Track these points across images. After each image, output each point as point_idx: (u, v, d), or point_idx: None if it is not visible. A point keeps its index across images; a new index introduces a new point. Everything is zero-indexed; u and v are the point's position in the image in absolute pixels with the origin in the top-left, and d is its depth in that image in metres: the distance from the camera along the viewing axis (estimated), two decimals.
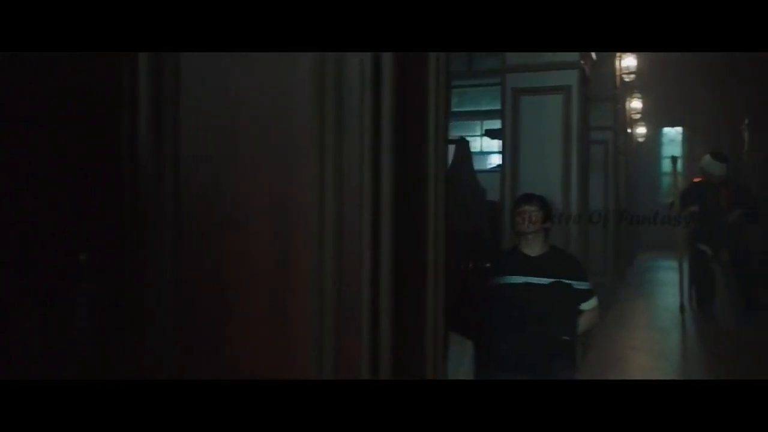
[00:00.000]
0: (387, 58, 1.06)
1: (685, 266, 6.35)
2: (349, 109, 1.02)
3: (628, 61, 6.88)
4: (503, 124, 4.12)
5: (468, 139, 7.19)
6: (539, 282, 3.37)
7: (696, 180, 6.76)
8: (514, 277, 3.44)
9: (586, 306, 3.52)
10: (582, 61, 4.00)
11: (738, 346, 5.07)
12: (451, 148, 4.40)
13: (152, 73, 1.08)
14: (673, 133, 16.13)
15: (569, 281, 3.41)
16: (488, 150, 10.01)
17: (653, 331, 5.63)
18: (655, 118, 13.92)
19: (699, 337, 5.54)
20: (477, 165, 6.21)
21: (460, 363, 1.42)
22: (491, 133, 7.60)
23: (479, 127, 9.69)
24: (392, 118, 1.06)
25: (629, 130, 9.93)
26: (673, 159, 6.95)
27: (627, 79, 7.09)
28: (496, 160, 8.35)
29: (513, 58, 4.01)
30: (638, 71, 7.37)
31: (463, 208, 3.95)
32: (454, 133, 9.04)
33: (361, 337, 1.02)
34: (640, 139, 12.91)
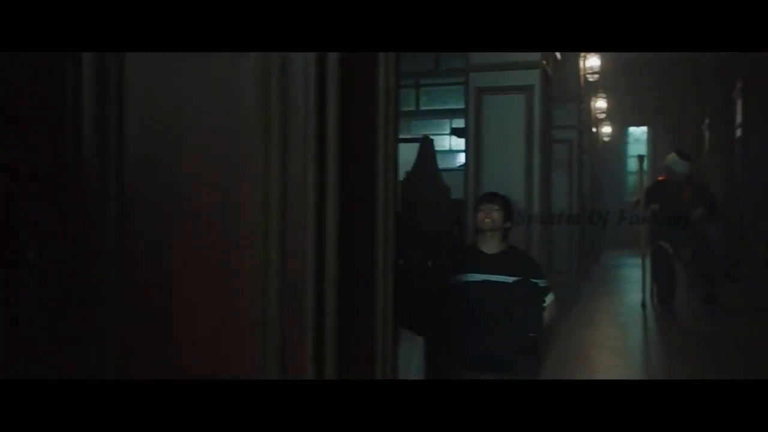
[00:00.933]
0: (332, 58, 1.07)
1: (648, 263, 6.46)
2: (294, 109, 1.03)
3: (592, 62, 6.96)
4: (467, 123, 4.15)
5: (436, 137, 7.24)
6: (497, 280, 3.40)
7: (660, 179, 6.88)
8: (471, 275, 3.47)
9: (543, 303, 3.57)
10: (544, 61, 4.04)
11: (696, 342, 5.17)
12: (416, 146, 4.43)
13: (96, 73, 1.08)
14: (638, 132, 16.37)
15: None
16: (456, 148, 10.07)
17: (615, 327, 5.71)
18: (621, 118, 14.11)
19: (659, 333, 5.64)
20: (445, 163, 6.25)
21: (411, 360, 1.44)
22: (457, 132, 7.64)
23: (447, 125, 9.73)
24: (337, 118, 1.07)
25: (594, 130, 10.05)
26: (640, 158, 7.06)
27: (591, 79, 7.18)
28: (463, 158, 8.41)
29: (476, 57, 4.04)
30: (602, 71, 7.47)
31: (427, 206, 3.98)
32: (423, 132, 9.08)
33: (305, 336, 1.03)
34: (606, 139, 13.07)
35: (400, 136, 4.39)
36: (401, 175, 3.65)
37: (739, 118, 6.90)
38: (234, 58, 1.04)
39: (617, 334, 5.45)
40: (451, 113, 9.44)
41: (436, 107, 9.88)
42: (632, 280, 7.50)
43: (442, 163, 4.91)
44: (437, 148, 5.90)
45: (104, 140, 1.07)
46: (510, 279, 3.40)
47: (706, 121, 8.50)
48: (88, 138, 1.08)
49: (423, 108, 10.11)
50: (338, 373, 1.08)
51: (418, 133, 8.63)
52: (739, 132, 6.95)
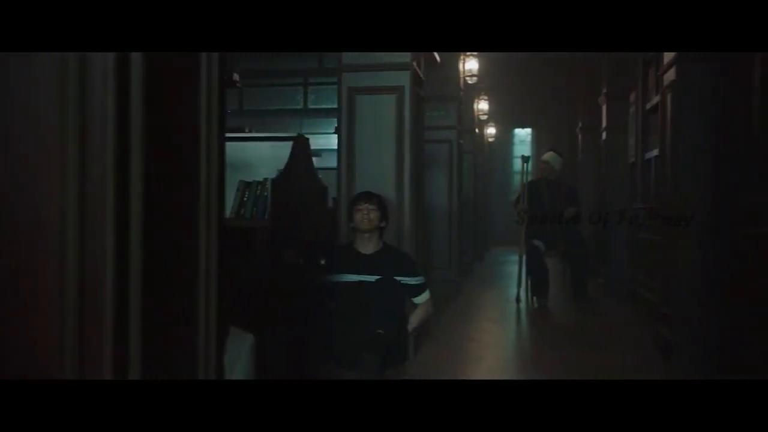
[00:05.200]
0: (136, 57, 1.07)
1: (524, 260, 6.76)
2: (93, 109, 1.02)
3: (471, 64, 7.18)
4: (339, 122, 4.20)
5: (324, 136, 7.24)
6: (370, 280, 3.47)
7: (532, 179, 7.21)
8: (347, 275, 3.52)
9: (418, 300, 3.66)
10: (414, 63, 4.14)
11: (565, 332, 5.45)
12: (290, 144, 4.41)
13: None
14: (523, 134, 17.02)
15: (401, 277, 3.53)
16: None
17: (489, 322, 5.92)
18: (507, 119, 14.63)
19: (530, 326, 5.90)
20: (331, 162, 6.26)
21: (238, 358, 1.45)
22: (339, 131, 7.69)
23: (334, 124, 9.76)
24: (142, 117, 1.07)
25: (477, 131, 10.37)
26: (524, 158, 7.37)
27: (470, 82, 7.39)
28: None
29: (348, 57, 4.09)
30: (482, 74, 7.71)
31: (300, 205, 3.98)
32: (312, 130, 9.05)
33: (104, 337, 1.02)
34: (491, 139, 13.51)
35: (283, 135, 4.34)
36: (273, 174, 3.64)
37: (604, 122, 7.32)
38: (31, 59, 1.03)
39: (490, 328, 5.66)
40: (337, 112, 9.46)
41: (323, 106, 9.89)
42: (512, 276, 7.78)
43: (328, 162, 4.93)
44: (324, 146, 5.91)
45: None
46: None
47: (579, 123, 8.96)
48: None
49: (311, 107, 10.10)
50: (144, 373, 1.08)
51: (308, 131, 8.62)
52: (603, 135, 7.37)
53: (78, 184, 1.02)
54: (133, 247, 1.06)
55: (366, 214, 3.56)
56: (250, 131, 4.67)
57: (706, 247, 3.83)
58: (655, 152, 5.20)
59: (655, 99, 4.94)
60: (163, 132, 1.16)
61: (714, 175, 3.82)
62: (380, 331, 3.22)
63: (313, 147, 5.22)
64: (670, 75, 4.07)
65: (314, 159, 5.27)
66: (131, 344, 1.06)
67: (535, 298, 6.56)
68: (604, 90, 7.25)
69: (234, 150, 4.02)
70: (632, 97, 6.56)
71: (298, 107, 10.00)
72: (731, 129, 3.72)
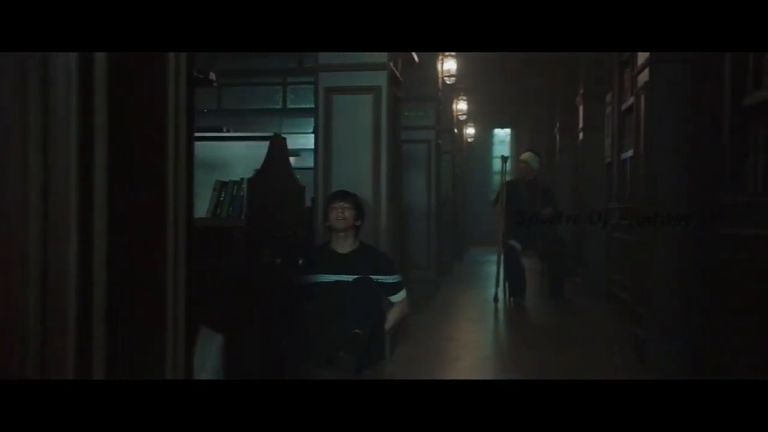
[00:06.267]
0: (100, 58, 1.06)
1: (502, 260, 6.79)
2: (55, 110, 1.02)
3: (450, 64, 7.20)
4: (316, 122, 4.20)
5: (303, 135, 7.22)
6: (347, 279, 3.47)
7: (511, 179, 7.26)
8: (324, 275, 3.52)
9: (395, 299, 3.67)
10: (391, 63, 4.15)
11: (542, 331, 5.48)
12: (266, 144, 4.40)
13: None
14: (503, 134, 17.11)
15: (377, 276, 3.54)
16: None
17: (466, 321, 5.95)
18: (486, 120, 14.69)
19: (507, 325, 5.94)
20: (309, 162, 6.24)
21: (207, 358, 1.45)
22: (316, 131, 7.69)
23: (312, 123, 9.75)
24: (105, 117, 1.07)
25: (456, 131, 10.40)
26: (503, 158, 7.43)
27: (449, 82, 7.42)
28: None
29: (325, 57, 4.09)
30: (460, 74, 7.74)
31: (276, 205, 3.98)
32: (292, 130, 9.03)
33: (68, 335, 1.02)
34: (470, 140, 13.56)
35: (260, 134, 4.31)
36: (250, 173, 3.63)
37: (581, 123, 7.39)
38: None
39: (468, 327, 5.69)
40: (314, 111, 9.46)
41: (302, 105, 9.88)
42: (491, 276, 7.82)
43: (308, 162, 4.92)
44: (304, 146, 5.90)
45: None
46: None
47: (557, 124, 9.03)
48: None
49: (290, 106, 10.08)
50: (108, 373, 1.08)
51: (287, 131, 8.60)
52: (581, 135, 7.44)
53: (41, 184, 1.02)
54: (97, 247, 1.06)
55: (341, 213, 3.56)
56: (228, 131, 4.66)
57: (679, 247, 3.88)
58: (630, 152, 5.26)
59: (631, 100, 4.99)
60: (130, 132, 1.16)
61: (686, 175, 3.88)
62: (357, 330, 3.23)
63: (292, 147, 5.22)
64: (644, 76, 4.12)
65: (293, 159, 5.27)
66: (95, 344, 1.06)
67: (512, 297, 6.60)
68: (581, 90, 7.32)
69: (211, 149, 4.03)
70: (608, 97, 6.63)
71: (278, 107, 9.98)
72: (704, 130, 3.77)
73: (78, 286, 1.03)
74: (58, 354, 1.02)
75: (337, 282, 3.49)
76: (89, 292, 1.05)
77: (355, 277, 3.44)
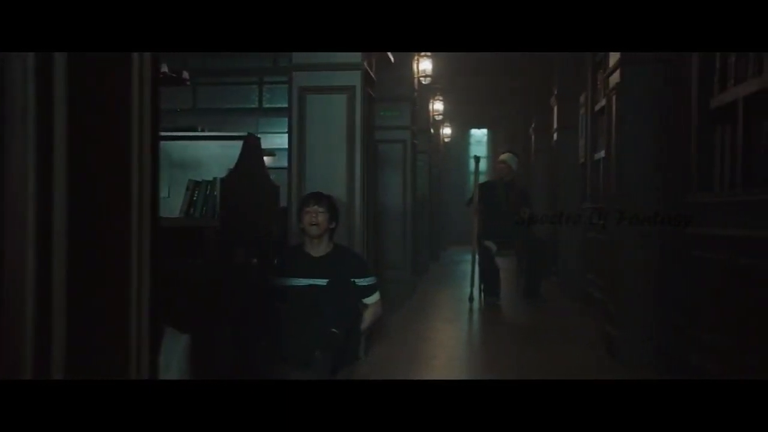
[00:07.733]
0: (59, 57, 1.06)
1: (477, 259, 6.83)
2: (12, 110, 1.02)
3: (425, 64, 7.22)
4: (290, 121, 4.20)
5: (279, 135, 7.20)
6: (321, 283, 3.45)
7: (488, 179, 7.31)
8: (298, 279, 3.50)
9: (369, 300, 3.66)
10: (365, 62, 4.15)
11: (517, 333, 5.52)
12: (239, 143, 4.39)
13: None
14: (479, 134, 17.18)
15: (352, 278, 3.52)
16: None
17: (441, 321, 5.97)
18: (461, 120, 14.74)
19: (482, 324, 5.97)
20: (285, 162, 6.22)
21: (173, 358, 1.45)
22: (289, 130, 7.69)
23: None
24: (65, 117, 1.07)
25: (433, 131, 10.43)
26: (476, 158, 7.46)
27: (425, 82, 7.44)
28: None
29: (299, 57, 4.09)
30: (436, 74, 7.76)
31: (250, 205, 3.97)
32: (267, 129, 8.99)
33: (25, 334, 1.02)
34: (447, 140, 13.60)
35: (234, 134, 4.29)
36: (224, 173, 3.62)
37: (555, 123, 7.45)
38: None
39: (443, 327, 5.71)
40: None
41: (278, 105, 9.86)
42: (467, 276, 7.87)
43: (284, 161, 4.91)
44: (280, 146, 5.87)
45: None
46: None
47: (533, 124, 9.09)
48: None
49: (266, 106, 10.05)
50: (68, 373, 1.07)
51: (263, 130, 8.58)
52: (555, 136, 7.50)
53: None
54: (56, 247, 1.06)
55: (314, 217, 3.52)
56: (203, 130, 4.63)
57: (649, 247, 3.93)
58: (603, 153, 5.31)
59: (603, 101, 5.04)
60: (92, 133, 1.16)
61: (656, 176, 3.93)
62: (334, 330, 3.21)
63: (268, 146, 5.20)
64: (615, 77, 4.17)
65: (269, 158, 5.26)
66: (54, 343, 1.06)
67: (487, 297, 6.64)
68: (556, 91, 7.38)
69: (184, 149, 4.01)
70: (582, 98, 6.69)
71: (253, 106, 9.95)
72: (673, 130, 3.83)
73: (36, 285, 1.03)
74: (16, 354, 1.02)
75: (311, 286, 3.47)
76: (48, 292, 1.05)
77: (329, 281, 3.43)
